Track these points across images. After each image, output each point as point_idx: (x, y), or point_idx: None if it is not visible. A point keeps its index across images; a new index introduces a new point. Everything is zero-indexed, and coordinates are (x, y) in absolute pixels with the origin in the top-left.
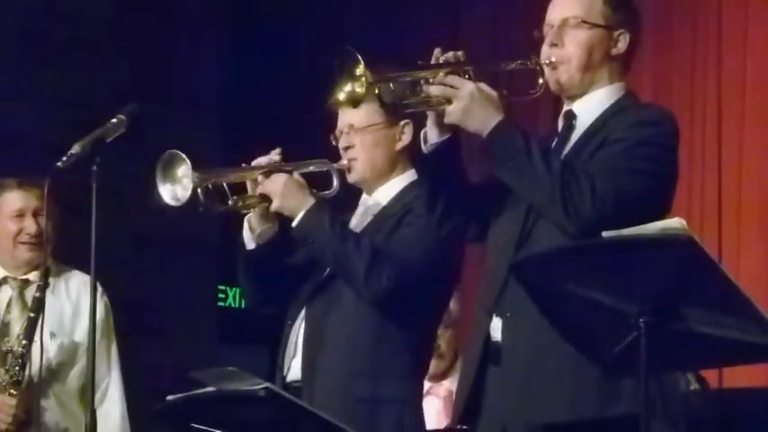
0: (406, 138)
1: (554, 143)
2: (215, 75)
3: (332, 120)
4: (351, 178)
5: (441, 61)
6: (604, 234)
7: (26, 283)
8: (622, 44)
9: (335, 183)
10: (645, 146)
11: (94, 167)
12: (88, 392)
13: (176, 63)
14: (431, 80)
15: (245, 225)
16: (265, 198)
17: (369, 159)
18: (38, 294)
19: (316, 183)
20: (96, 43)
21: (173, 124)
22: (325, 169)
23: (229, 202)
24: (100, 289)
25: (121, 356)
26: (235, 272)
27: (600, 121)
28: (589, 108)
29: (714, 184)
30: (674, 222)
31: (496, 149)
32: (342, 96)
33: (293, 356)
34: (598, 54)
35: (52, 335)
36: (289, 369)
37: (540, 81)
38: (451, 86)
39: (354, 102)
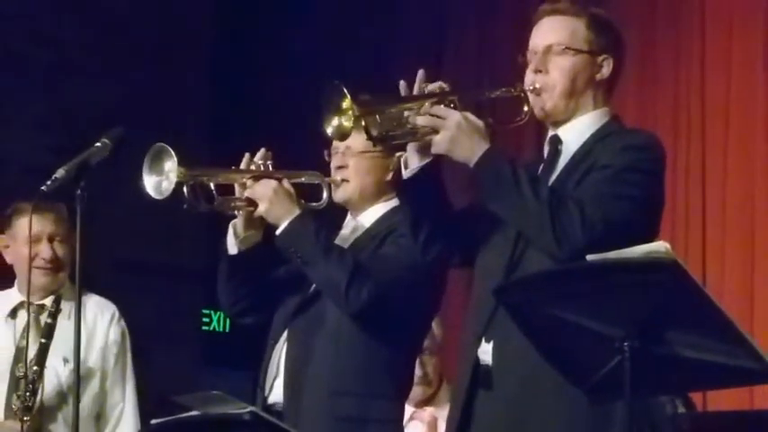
0: (397, 170)
1: (540, 169)
2: (201, 99)
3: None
4: (337, 196)
5: (425, 91)
6: (589, 258)
7: (42, 308)
8: (606, 69)
9: (325, 196)
10: (632, 171)
11: (79, 191)
12: (102, 419)
13: (162, 86)
14: (417, 111)
15: (230, 230)
16: (252, 202)
17: (359, 184)
18: (49, 320)
19: (304, 194)
20: (81, 66)
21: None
22: (316, 182)
23: (215, 203)
24: (117, 314)
25: None
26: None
27: (586, 146)
28: (575, 133)
29: (698, 205)
30: (658, 246)
31: (484, 178)
32: (329, 131)
33: (275, 376)
34: (582, 80)
35: (65, 360)
36: (271, 389)
37: (526, 108)
38: (438, 116)
39: (342, 136)
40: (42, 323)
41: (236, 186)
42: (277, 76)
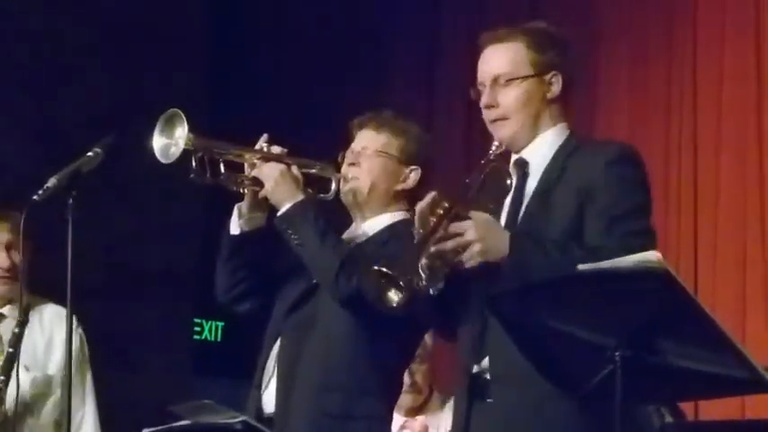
0: (410, 182)
1: (510, 194)
2: (194, 105)
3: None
4: (345, 189)
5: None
6: (580, 267)
7: (2, 316)
8: (556, 86)
9: (333, 188)
10: (635, 206)
11: (70, 200)
12: (63, 426)
13: (155, 93)
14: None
15: (235, 212)
16: (257, 182)
17: (368, 183)
18: (16, 330)
19: (312, 186)
20: (75, 72)
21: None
22: (327, 175)
23: (221, 177)
24: (75, 321)
25: (97, 389)
26: (211, 305)
27: (556, 163)
28: (539, 153)
29: (690, 214)
30: (649, 255)
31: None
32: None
33: (271, 375)
34: (535, 103)
35: (26, 368)
36: (266, 387)
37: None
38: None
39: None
40: (1, 332)
41: (246, 166)
42: (276, 75)
